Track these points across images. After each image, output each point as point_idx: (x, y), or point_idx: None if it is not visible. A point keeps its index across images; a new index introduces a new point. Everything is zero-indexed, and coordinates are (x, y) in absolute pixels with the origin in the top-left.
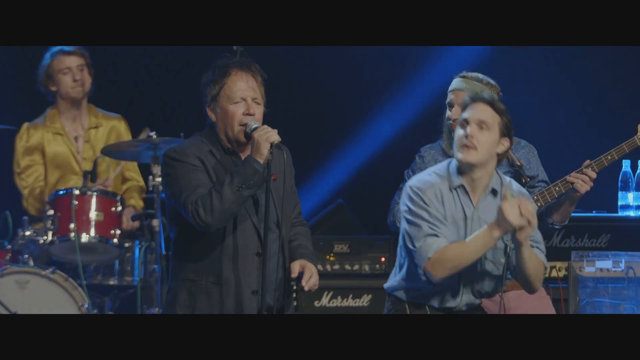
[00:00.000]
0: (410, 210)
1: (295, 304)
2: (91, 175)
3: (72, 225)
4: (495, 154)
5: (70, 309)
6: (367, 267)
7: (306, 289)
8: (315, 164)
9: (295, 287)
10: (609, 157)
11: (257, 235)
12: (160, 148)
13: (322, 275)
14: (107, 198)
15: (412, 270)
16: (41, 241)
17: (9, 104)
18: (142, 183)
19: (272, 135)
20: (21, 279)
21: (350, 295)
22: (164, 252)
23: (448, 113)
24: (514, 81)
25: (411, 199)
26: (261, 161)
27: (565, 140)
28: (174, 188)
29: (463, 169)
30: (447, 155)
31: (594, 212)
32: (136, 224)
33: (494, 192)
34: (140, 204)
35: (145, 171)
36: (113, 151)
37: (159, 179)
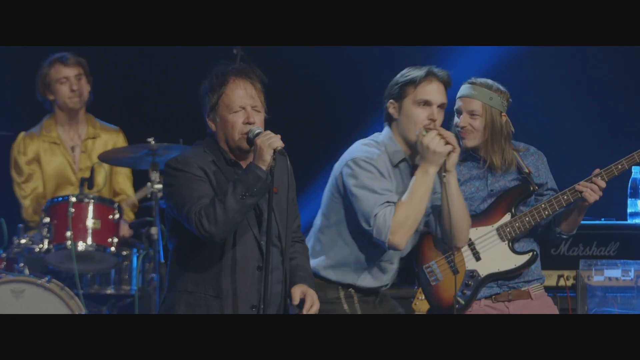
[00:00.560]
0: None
1: None
2: (88, 183)
3: (68, 233)
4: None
5: None
6: None
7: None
8: (316, 164)
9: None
10: (619, 167)
11: (258, 248)
12: (159, 154)
13: None
14: (105, 205)
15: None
16: (37, 249)
17: (6, 109)
18: (133, 197)
19: (275, 141)
20: (16, 288)
21: None
22: (162, 260)
23: (456, 120)
24: (524, 87)
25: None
26: (264, 168)
27: (575, 148)
28: (176, 199)
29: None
30: None
31: (603, 219)
32: (131, 232)
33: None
34: (131, 216)
35: (144, 178)
36: (110, 157)
37: (157, 186)
